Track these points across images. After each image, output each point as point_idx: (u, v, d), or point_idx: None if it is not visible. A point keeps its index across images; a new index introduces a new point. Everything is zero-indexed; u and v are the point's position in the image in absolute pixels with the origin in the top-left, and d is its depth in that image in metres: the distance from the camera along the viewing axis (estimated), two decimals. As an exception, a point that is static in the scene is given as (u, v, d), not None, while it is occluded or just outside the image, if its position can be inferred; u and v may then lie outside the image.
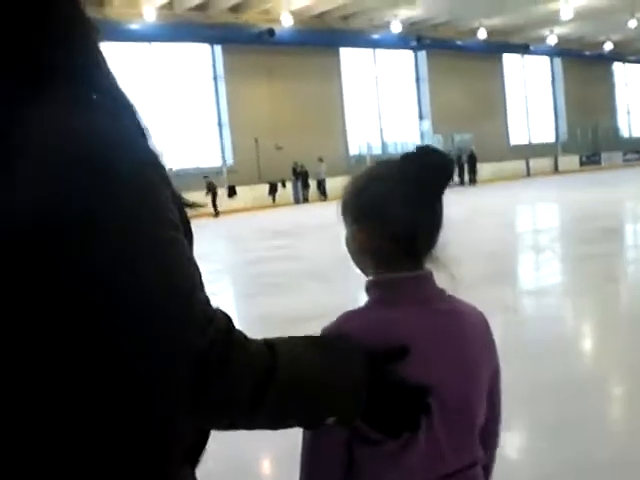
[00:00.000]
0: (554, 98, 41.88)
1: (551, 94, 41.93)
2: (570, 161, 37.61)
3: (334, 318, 1.30)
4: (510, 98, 39.20)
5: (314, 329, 1.26)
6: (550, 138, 40.68)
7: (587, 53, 40.74)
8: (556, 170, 36.46)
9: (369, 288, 1.31)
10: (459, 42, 34.16)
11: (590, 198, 19.49)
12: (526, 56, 39.49)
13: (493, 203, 22.45)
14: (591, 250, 10.07)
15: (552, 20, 32.53)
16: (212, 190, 24.02)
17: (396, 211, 1.25)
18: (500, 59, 38.30)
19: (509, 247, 12.29)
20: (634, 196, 19.14)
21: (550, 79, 41.86)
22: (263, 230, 18.51)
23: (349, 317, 1.29)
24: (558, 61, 41.25)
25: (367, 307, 1.31)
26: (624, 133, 45.95)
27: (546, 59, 41.03)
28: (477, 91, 35.71)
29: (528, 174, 34.88)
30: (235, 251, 15.57)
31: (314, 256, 12.04)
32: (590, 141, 40.12)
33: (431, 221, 1.29)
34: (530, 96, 40.68)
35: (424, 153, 1.27)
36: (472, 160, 32.49)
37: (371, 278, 1.32)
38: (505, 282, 8.68)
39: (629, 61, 45.63)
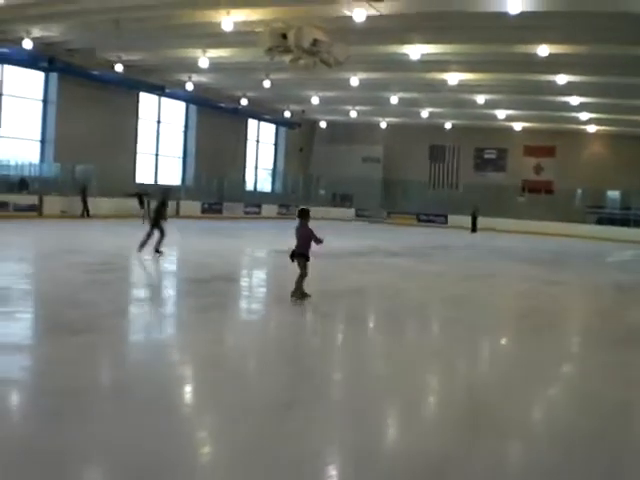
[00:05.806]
0: (185, 143, 42.76)
1: (182, 139, 42.84)
2: (192, 206, 38.64)
3: None
4: (142, 136, 39.07)
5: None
6: (176, 181, 41.51)
7: (223, 105, 42.45)
8: (177, 213, 37.16)
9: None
10: (95, 72, 33.42)
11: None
12: (163, 98, 40.00)
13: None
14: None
15: (190, 67, 33.23)
16: None
17: None
18: (137, 96, 38.17)
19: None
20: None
21: (184, 124, 42.79)
22: None
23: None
24: (194, 108, 42.35)
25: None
26: (249, 186, 48.56)
27: (182, 104, 41.89)
28: (109, 124, 35.19)
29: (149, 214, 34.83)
30: None
31: None
32: (215, 190, 41.71)
33: None
34: (163, 137, 41.06)
35: None
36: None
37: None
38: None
39: (262, 119, 48.60)
